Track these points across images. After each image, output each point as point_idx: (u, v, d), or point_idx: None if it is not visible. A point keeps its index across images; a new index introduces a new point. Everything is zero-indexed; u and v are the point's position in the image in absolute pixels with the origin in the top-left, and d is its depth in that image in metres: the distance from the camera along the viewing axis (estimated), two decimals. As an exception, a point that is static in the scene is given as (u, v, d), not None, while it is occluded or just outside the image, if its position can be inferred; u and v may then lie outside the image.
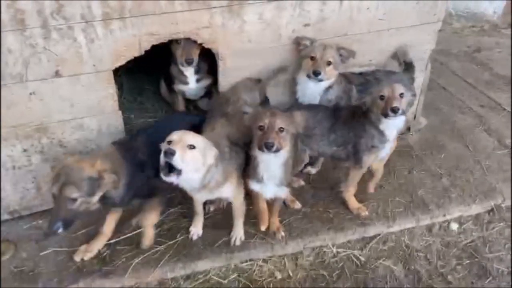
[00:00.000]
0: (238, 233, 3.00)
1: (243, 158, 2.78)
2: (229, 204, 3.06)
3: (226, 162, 2.62)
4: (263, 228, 3.03)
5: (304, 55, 3.10)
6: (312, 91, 3.15)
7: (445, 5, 3.47)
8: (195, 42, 3.13)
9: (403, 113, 2.73)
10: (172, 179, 2.34)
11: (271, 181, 2.67)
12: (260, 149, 2.46)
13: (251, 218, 3.11)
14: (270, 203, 2.98)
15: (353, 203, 3.20)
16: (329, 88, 3.15)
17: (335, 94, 3.19)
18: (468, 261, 3.01)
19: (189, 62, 3.28)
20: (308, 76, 3.06)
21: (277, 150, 2.45)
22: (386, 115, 2.71)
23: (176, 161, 2.26)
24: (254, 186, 2.75)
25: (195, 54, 3.27)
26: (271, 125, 2.46)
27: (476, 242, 3.13)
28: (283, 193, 2.81)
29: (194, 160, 2.35)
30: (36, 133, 2.82)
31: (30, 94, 2.67)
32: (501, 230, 3.21)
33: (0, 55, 2.50)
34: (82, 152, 2.98)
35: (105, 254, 2.91)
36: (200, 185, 2.51)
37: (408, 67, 3.46)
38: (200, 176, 2.45)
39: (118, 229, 3.05)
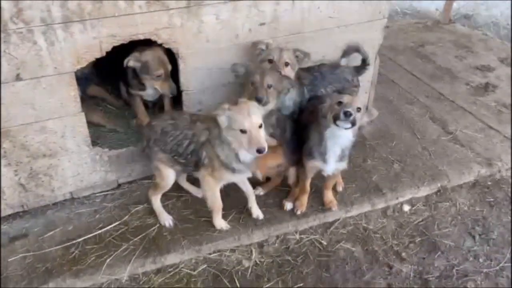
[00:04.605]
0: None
1: None
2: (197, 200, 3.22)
3: None
4: None
5: (262, 59, 3.19)
6: None
7: (389, 3, 3.72)
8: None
9: (353, 124, 2.72)
10: None
11: None
12: None
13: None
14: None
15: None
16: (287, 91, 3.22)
17: (293, 99, 3.28)
18: (419, 239, 3.25)
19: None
20: None
21: None
22: (337, 118, 2.70)
23: None
24: None
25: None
26: None
27: (426, 221, 3.38)
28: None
29: None
30: (-2, 138, 2.81)
31: (-9, 98, 2.66)
32: (447, 208, 3.48)
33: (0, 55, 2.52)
34: (46, 155, 3.01)
35: (74, 254, 2.94)
36: None
37: (363, 62, 3.67)
38: None
39: (88, 229, 3.11)
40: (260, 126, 2.63)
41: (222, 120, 2.66)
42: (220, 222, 3.13)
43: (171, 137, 2.90)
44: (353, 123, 2.72)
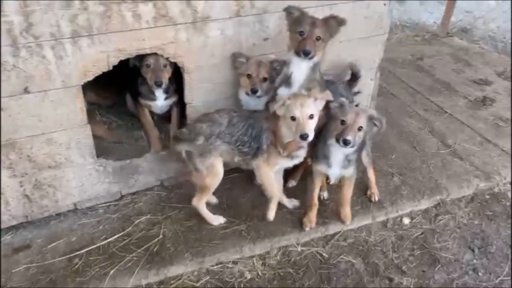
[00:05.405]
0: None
1: None
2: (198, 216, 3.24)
3: None
4: None
5: (240, 73, 3.26)
6: (255, 107, 3.31)
7: (390, 20, 3.79)
8: (165, 66, 3.30)
9: (353, 146, 2.86)
10: None
11: None
12: None
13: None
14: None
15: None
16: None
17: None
18: (419, 252, 3.27)
19: (158, 85, 3.39)
20: (247, 94, 3.25)
21: None
22: (337, 141, 2.84)
23: None
24: None
25: (165, 77, 3.38)
26: None
27: (426, 234, 3.41)
28: None
29: None
30: (4, 149, 2.84)
31: (-1, 110, 2.69)
32: (447, 222, 3.51)
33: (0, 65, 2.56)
34: (51, 166, 3.04)
35: (77, 265, 2.96)
36: None
37: (354, 76, 3.76)
38: None
39: (91, 240, 3.13)
40: (311, 117, 2.80)
41: (280, 110, 2.86)
42: (272, 214, 3.27)
43: (237, 128, 3.06)
44: (353, 146, 2.85)
